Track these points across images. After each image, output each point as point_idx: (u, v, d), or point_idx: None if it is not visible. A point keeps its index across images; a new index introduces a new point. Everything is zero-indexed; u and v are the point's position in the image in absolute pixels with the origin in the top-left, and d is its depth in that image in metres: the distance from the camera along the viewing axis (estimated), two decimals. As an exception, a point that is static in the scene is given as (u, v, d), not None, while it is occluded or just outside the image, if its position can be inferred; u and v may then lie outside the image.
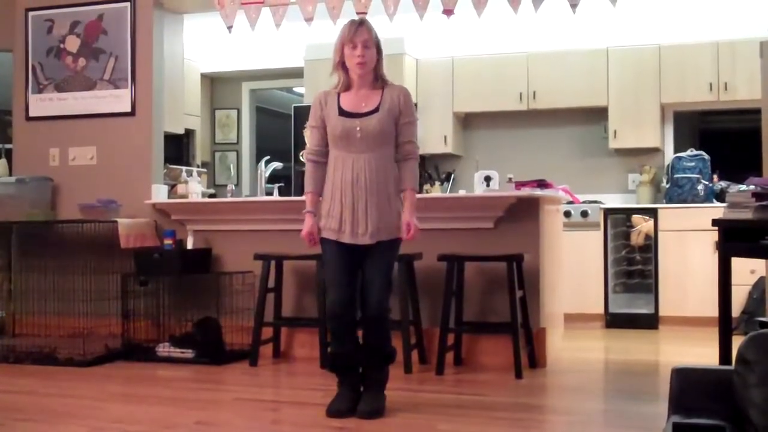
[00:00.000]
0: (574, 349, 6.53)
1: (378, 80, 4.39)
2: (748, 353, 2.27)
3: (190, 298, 6.24)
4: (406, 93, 4.44)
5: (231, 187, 7.14)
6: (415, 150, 4.43)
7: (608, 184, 8.66)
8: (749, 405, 2.21)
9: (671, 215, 7.80)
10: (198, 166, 9.37)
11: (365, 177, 4.27)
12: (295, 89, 10.85)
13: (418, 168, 4.47)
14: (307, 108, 8.24)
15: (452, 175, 8.97)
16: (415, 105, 8.76)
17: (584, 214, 8.00)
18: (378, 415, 4.26)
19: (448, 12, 6.11)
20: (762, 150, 5.70)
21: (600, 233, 7.97)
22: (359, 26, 4.31)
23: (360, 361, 4.42)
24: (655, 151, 8.47)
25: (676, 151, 8.40)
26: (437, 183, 8.82)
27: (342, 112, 4.34)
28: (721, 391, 2.33)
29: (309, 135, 4.55)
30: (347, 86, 4.40)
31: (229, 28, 6.58)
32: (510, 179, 6.32)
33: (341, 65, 4.37)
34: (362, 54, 4.27)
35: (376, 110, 4.32)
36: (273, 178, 7.27)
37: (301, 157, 6.35)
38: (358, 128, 4.28)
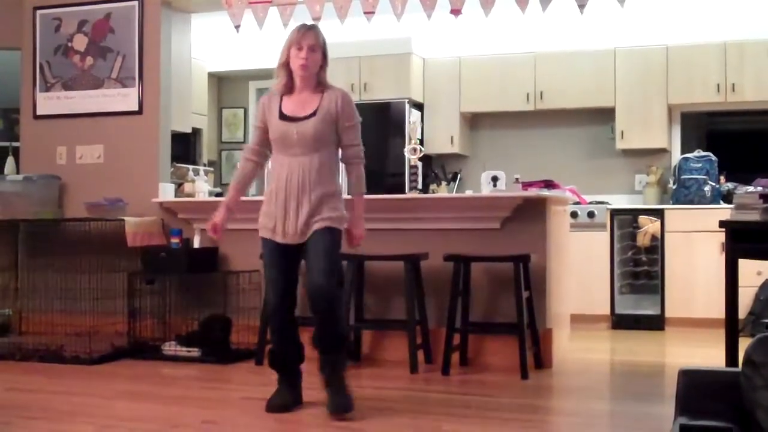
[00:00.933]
0: (581, 350, 6.52)
1: (319, 84, 4.46)
2: (755, 355, 2.27)
3: (197, 296, 6.25)
4: (344, 96, 4.48)
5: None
6: (359, 153, 4.48)
7: (615, 185, 8.65)
8: (756, 407, 2.20)
9: (678, 216, 7.79)
10: (205, 165, 9.38)
11: (299, 178, 4.33)
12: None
13: (363, 171, 4.51)
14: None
15: (459, 176, 8.96)
16: (421, 105, 8.82)
17: (591, 214, 7.99)
18: (348, 409, 4.27)
19: (455, 12, 6.11)
20: (769, 151, 5.69)
21: (606, 234, 7.96)
22: (307, 30, 4.42)
23: (299, 358, 4.55)
24: (662, 151, 8.46)
25: (683, 152, 8.39)
26: (444, 183, 8.82)
27: (282, 116, 4.42)
28: (728, 392, 2.33)
29: (251, 134, 4.66)
30: (290, 89, 4.48)
31: (237, 27, 6.58)
32: (517, 179, 6.31)
33: (286, 66, 4.46)
34: (306, 57, 4.36)
35: (313, 114, 4.38)
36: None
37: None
38: (294, 132, 4.35)
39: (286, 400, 4.47)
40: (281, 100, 4.47)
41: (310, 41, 4.36)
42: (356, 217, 4.46)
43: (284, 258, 4.39)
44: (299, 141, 4.34)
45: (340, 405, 4.29)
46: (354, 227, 4.47)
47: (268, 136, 4.48)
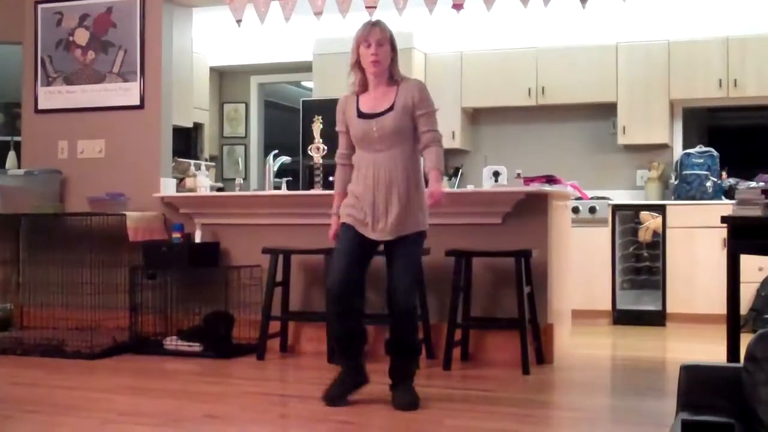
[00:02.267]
0: (582, 346, 6.52)
1: (393, 77, 4.47)
2: (757, 351, 2.27)
3: (198, 291, 6.25)
4: (420, 86, 4.52)
5: (239, 180, 7.15)
6: (437, 137, 4.47)
7: (616, 181, 8.65)
8: (758, 402, 2.20)
9: (679, 212, 7.78)
10: (206, 160, 9.38)
11: (385, 174, 4.36)
12: (304, 83, 10.85)
13: (442, 153, 4.50)
14: (316, 102, 8.34)
15: (460, 171, 8.96)
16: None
17: (592, 210, 7.98)
18: (413, 407, 4.32)
19: (457, 6, 6.11)
20: (772, 147, 5.69)
21: (608, 229, 7.95)
22: (373, 26, 4.45)
23: (364, 340, 4.53)
24: (663, 147, 8.45)
25: (684, 147, 8.37)
26: (445, 178, 8.80)
27: (360, 114, 4.46)
28: (730, 388, 2.32)
29: (339, 139, 4.66)
30: (364, 87, 4.51)
31: (238, 21, 6.58)
32: (518, 175, 6.32)
33: (358, 65, 4.48)
34: (376, 52, 4.38)
35: (390, 109, 4.41)
36: (281, 172, 7.28)
37: (310, 151, 6.34)
38: (374, 128, 4.39)
39: (344, 390, 4.45)
40: (358, 99, 4.51)
41: (377, 36, 4.39)
42: (435, 181, 4.39)
43: (362, 249, 4.43)
44: (380, 137, 4.39)
45: (407, 402, 4.34)
46: (434, 189, 4.36)
47: (350, 137, 4.54)
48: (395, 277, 4.37)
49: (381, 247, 4.49)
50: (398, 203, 4.35)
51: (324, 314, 5.74)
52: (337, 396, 4.41)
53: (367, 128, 4.41)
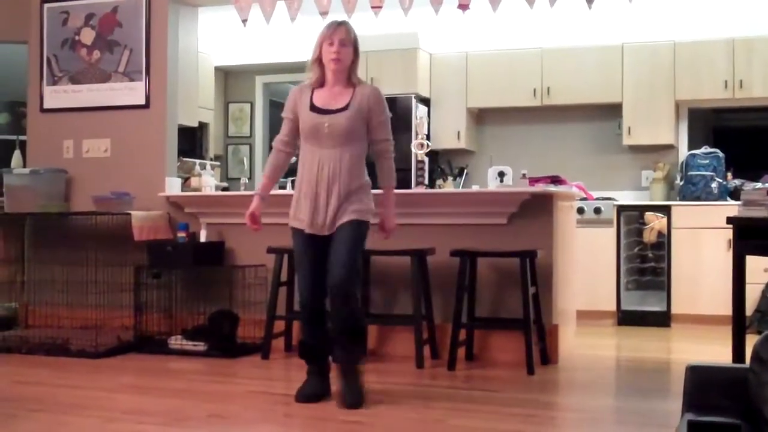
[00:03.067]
0: (586, 346, 6.52)
1: (350, 79, 4.55)
2: (763, 352, 2.26)
3: (203, 291, 6.25)
4: (377, 92, 4.60)
5: (244, 180, 7.15)
6: (390, 147, 4.61)
7: (622, 181, 8.64)
8: (764, 403, 2.20)
9: (685, 213, 7.77)
10: (211, 160, 9.39)
11: (329, 171, 4.43)
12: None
13: (393, 164, 4.64)
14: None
15: (465, 171, 8.95)
16: (428, 100, 8.81)
17: (597, 210, 7.97)
18: (359, 405, 4.34)
19: (463, 7, 6.11)
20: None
21: (613, 230, 7.94)
22: (338, 26, 4.51)
23: (328, 349, 4.57)
24: (669, 148, 8.44)
25: (690, 148, 8.36)
26: (450, 178, 8.81)
27: (313, 108, 4.51)
28: (736, 389, 2.32)
29: (283, 125, 4.72)
30: (321, 83, 4.57)
31: (244, 21, 6.58)
32: (524, 175, 6.31)
33: (318, 62, 4.54)
34: (338, 51, 4.45)
35: (345, 108, 4.48)
36: (286, 172, 7.25)
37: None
38: (326, 124, 4.44)
39: (316, 389, 4.54)
40: (312, 92, 4.56)
41: (341, 36, 4.46)
42: (388, 208, 4.61)
43: (313, 249, 4.47)
44: (330, 134, 4.43)
45: (351, 401, 4.36)
46: (386, 219, 4.61)
47: (295, 126, 4.59)
48: (331, 261, 4.37)
49: None
50: (337, 199, 4.41)
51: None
52: (309, 395, 4.50)
53: (317, 123, 4.45)
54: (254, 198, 4.68)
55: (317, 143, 4.46)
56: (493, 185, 6.20)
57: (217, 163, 9.69)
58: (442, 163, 9.01)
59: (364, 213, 4.47)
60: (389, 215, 4.62)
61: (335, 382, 4.53)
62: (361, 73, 8.85)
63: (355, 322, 4.49)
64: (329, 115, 4.45)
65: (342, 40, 4.44)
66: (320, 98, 4.53)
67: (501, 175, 6.23)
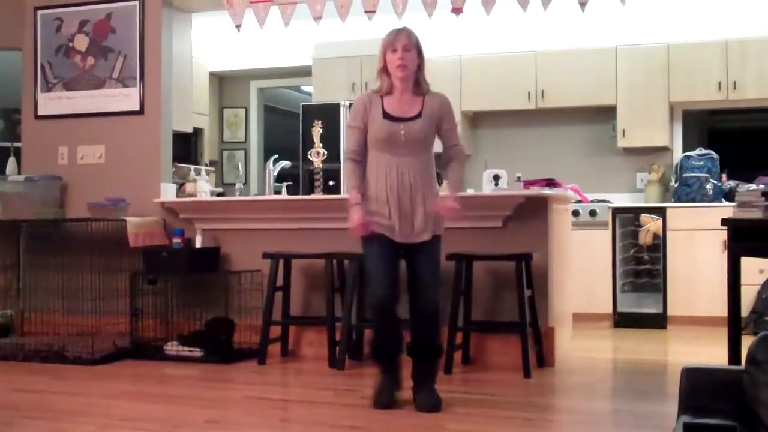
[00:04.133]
0: (583, 349, 6.52)
1: (419, 86, 4.52)
2: (758, 353, 2.27)
3: (199, 296, 6.25)
4: (446, 100, 4.62)
5: (239, 185, 7.15)
6: (462, 152, 4.68)
7: (617, 183, 8.65)
8: (760, 405, 2.20)
9: (680, 214, 7.78)
10: (206, 165, 9.38)
11: (410, 179, 4.42)
12: (303, 88, 10.86)
13: (464, 168, 4.71)
14: (315, 106, 8.33)
15: (460, 174, 8.93)
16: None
17: (593, 213, 7.99)
18: (436, 409, 4.35)
19: (456, 11, 6.11)
20: (771, 149, 5.69)
21: (608, 232, 7.95)
22: (399, 32, 4.48)
23: (402, 350, 4.57)
24: (663, 150, 8.45)
25: (684, 150, 8.38)
26: (445, 182, 8.79)
27: (386, 116, 4.46)
28: (731, 390, 2.33)
29: (349, 135, 4.64)
30: (389, 91, 4.52)
31: (238, 26, 6.58)
32: (518, 178, 6.32)
33: (384, 71, 4.51)
34: (402, 57, 4.42)
35: (419, 116, 4.47)
36: (281, 177, 7.28)
37: (309, 156, 6.34)
38: (402, 132, 4.42)
39: (393, 394, 4.50)
40: (382, 100, 4.51)
41: (403, 41, 4.44)
42: (452, 195, 4.54)
43: (394, 254, 4.46)
44: (406, 141, 4.43)
45: (430, 404, 4.37)
46: (450, 199, 4.50)
47: (366, 135, 4.51)
48: (422, 280, 4.42)
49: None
50: (422, 207, 4.42)
51: (324, 319, 5.76)
52: (388, 400, 4.46)
53: (393, 130, 4.42)
54: (355, 209, 4.43)
55: (391, 151, 4.43)
56: (488, 189, 6.20)
57: (212, 168, 9.69)
58: (436, 166, 8.99)
59: (441, 226, 4.51)
60: (450, 201, 4.48)
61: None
62: (355, 78, 8.95)
63: (440, 341, 4.57)
64: (404, 122, 4.43)
65: (405, 46, 4.42)
66: (391, 106, 4.48)
67: (496, 178, 6.23)
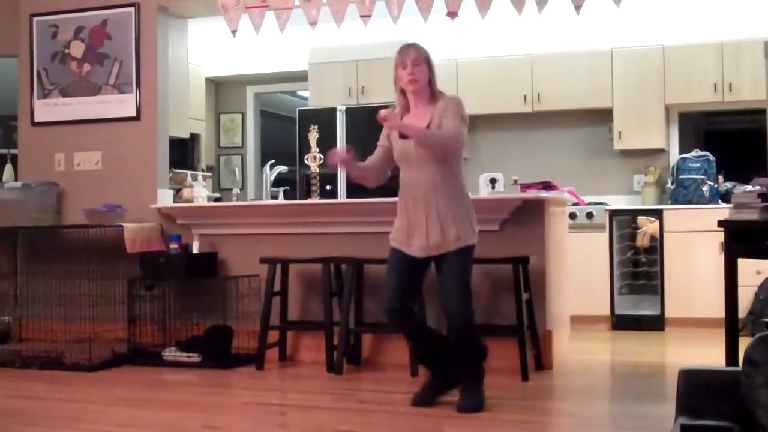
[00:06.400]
0: (581, 351, 6.52)
1: (434, 97, 4.55)
2: (755, 354, 2.27)
3: (197, 302, 6.24)
4: (452, 99, 4.56)
5: (236, 191, 7.16)
6: (451, 134, 4.41)
7: (613, 186, 8.66)
8: (757, 406, 2.21)
9: (677, 216, 7.79)
10: (203, 170, 9.38)
11: (423, 194, 4.44)
12: (300, 93, 10.86)
13: (444, 139, 4.43)
14: (311, 111, 8.35)
15: (457, 178, 8.94)
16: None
17: (589, 215, 7.99)
18: (476, 410, 4.40)
19: (452, 14, 6.12)
20: (767, 150, 5.69)
21: (605, 235, 7.96)
22: (408, 48, 4.54)
23: (439, 351, 4.62)
24: (660, 152, 8.46)
25: (681, 152, 8.39)
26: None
27: (402, 135, 4.51)
28: (729, 392, 2.33)
29: (376, 150, 4.72)
30: (407, 108, 4.59)
31: (234, 32, 6.58)
32: (515, 181, 6.32)
33: (402, 91, 4.58)
34: (412, 72, 4.46)
35: (426, 128, 4.46)
36: (278, 182, 7.28)
37: (306, 160, 6.34)
38: (413, 148, 4.45)
39: (431, 394, 4.59)
40: (401, 118, 4.56)
41: (412, 57, 4.48)
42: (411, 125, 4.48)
43: (408, 268, 4.52)
44: (417, 156, 4.44)
45: (466, 406, 4.43)
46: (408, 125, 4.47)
47: (388, 153, 4.61)
48: (445, 290, 4.47)
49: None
50: (438, 222, 4.41)
51: (322, 323, 5.75)
52: (424, 400, 4.55)
53: (406, 147, 4.47)
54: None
55: (409, 167, 4.48)
56: (484, 192, 6.20)
57: (209, 174, 9.69)
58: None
59: (467, 238, 4.48)
60: (412, 126, 4.46)
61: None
62: (351, 82, 8.95)
63: (478, 346, 4.61)
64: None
65: (414, 60, 4.46)
66: (407, 122, 4.52)
67: (492, 181, 6.23)
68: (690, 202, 7.88)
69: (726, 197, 7.70)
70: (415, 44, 4.57)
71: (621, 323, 7.80)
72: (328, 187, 7.57)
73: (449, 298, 4.44)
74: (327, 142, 7.11)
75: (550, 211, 5.91)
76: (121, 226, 6.22)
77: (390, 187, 7.97)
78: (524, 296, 5.38)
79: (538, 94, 8.56)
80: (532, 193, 5.82)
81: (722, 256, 4.53)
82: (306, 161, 6.46)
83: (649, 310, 7.82)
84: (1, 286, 6.84)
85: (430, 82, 4.54)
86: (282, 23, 6.45)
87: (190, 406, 4.77)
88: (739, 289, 4.44)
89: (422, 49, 4.53)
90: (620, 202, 8.47)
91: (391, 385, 5.25)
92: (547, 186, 6.27)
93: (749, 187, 5.12)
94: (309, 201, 6.37)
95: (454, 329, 4.48)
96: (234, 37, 6.62)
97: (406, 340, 4.77)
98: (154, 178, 6.68)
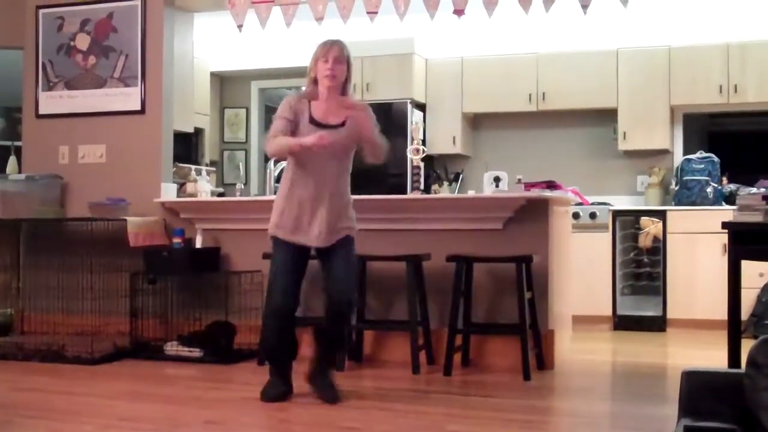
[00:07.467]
0: (583, 351, 6.52)
1: (345, 94, 4.68)
2: (759, 356, 2.27)
3: (199, 296, 6.24)
4: (370, 109, 4.68)
5: (240, 186, 7.15)
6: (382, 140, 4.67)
7: (617, 186, 8.65)
8: (760, 408, 2.20)
9: (680, 217, 7.78)
10: (207, 165, 9.38)
11: (324, 184, 4.55)
12: (304, 89, 10.83)
13: (383, 145, 4.68)
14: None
15: (461, 176, 8.95)
16: (423, 105, 8.81)
17: (593, 215, 7.99)
18: (339, 399, 4.58)
19: (458, 12, 6.11)
20: (772, 153, 5.69)
21: (608, 235, 7.95)
22: (333, 44, 4.63)
23: (294, 355, 4.78)
24: (664, 152, 8.45)
25: (685, 153, 8.38)
26: (446, 183, 8.80)
27: (312, 120, 4.60)
28: (731, 394, 2.33)
29: (276, 124, 4.64)
30: (315, 97, 4.67)
31: (240, 27, 6.58)
32: (519, 180, 6.31)
33: (314, 81, 4.67)
34: (332, 68, 4.57)
35: (342, 125, 4.60)
36: (281, 177, 7.26)
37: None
38: (338, 141, 4.53)
39: (281, 390, 4.68)
40: (309, 105, 4.64)
41: (335, 53, 4.58)
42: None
43: (298, 260, 4.63)
44: (336, 149, 4.53)
45: (334, 397, 4.59)
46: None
47: (293, 128, 4.60)
48: (337, 280, 4.57)
49: (313, 252, 4.67)
50: (332, 212, 4.55)
51: (322, 318, 5.74)
52: (274, 395, 4.65)
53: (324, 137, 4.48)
54: (302, 141, 4.44)
55: (318, 157, 4.51)
56: (488, 190, 6.20)
57: (213, 168, 9.68)
58: (437, 168, 9.01)
59: (355, 227, 4.68)
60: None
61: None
62: (356, 78, 8.93)
63: (345, 334, 4.82)
64: (327, 129, 4.52)
65: (336, 58, 4.56)
66: (317, 112, 4.62)
67: (497, 180, 6.23)
68: (693, 204, 7.87)
69: (730, 199, 7.69)
70: (339, 41, 4.64)
71: (623, 324, 7.80)
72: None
73: (342, 287, 4.56)
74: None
75: (553, 210, 5.90)
76: (125, 220, 6.22)
77: (389, 184, 7.99)
78: (527, 295, 5.38)
79: (544, 94, 8.55)
80: (536, 193, 5.82)
81: (725, 258, 4.54)
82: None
83: (651, 310, 7.82)
84: (3, 278, 6.85)
85: (346, 81, 4.65)
86: (288, 19, 6.45)
87: (191, 401, 4.77)
88: (742, 290, 4.45)
89: (346, 49, 4.63)
90: (624, 202, 8.46)
91: (393, 382, 5.26)
92: (551, 185, 6.26)
93: (754, 189, 5.13)
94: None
95: (342, 315, 4.60)
96: (240, 31, 6.62)
97: (272, 342, 4.74)
98: (158, 172, 6.68)
